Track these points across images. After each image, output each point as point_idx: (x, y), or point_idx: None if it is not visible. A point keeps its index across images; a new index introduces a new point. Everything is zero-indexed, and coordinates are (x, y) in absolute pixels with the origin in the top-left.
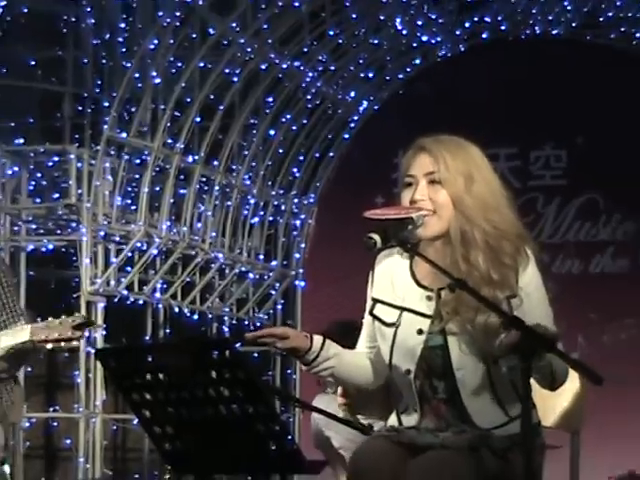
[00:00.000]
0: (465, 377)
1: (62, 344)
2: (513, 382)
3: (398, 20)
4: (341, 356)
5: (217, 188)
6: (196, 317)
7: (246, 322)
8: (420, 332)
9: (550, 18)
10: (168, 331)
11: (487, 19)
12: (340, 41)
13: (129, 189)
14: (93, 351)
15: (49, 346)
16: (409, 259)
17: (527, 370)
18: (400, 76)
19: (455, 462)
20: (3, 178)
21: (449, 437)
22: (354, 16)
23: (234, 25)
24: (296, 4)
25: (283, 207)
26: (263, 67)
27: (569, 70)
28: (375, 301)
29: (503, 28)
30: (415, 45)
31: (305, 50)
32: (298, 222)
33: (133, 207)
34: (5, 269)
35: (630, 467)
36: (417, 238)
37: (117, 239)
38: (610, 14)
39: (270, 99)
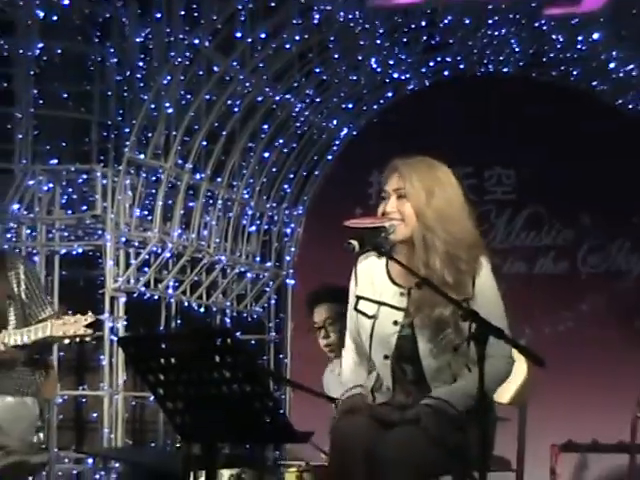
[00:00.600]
0: (429, 363)
1: (77, 339)
2: (468, 366)
3: (373, 60)
4: None
5: (220, 201)
6: (202, 310)
7: (244, 314)
8: (395, 323)
9: (501, 58)
10: (179, 322)
11: (448, 59)
12: (324, 77)
13: (146, 202)
14: (116, 339)
15: (66, 341)
16: (385, 261)
17: (482, 354)
18: (375, 107)
19: (417, 436)
20: (40, 193)
21: (418, 410)
22: (336, 56)
23: (235, 63)
24: (287, 46)
25: (276, 217)
26: (259, 99)
27: (517, 103)
28: (358, 298)
29: (462, 67)
30: (387, 81)
31: (295, 85)
32: (289, 230)
33: (149, 217)
34: (30, 267)
35: (569, 437)
36: (390, 243)
37: (136, 244)
38: (552, 55)
39: (265, 126)
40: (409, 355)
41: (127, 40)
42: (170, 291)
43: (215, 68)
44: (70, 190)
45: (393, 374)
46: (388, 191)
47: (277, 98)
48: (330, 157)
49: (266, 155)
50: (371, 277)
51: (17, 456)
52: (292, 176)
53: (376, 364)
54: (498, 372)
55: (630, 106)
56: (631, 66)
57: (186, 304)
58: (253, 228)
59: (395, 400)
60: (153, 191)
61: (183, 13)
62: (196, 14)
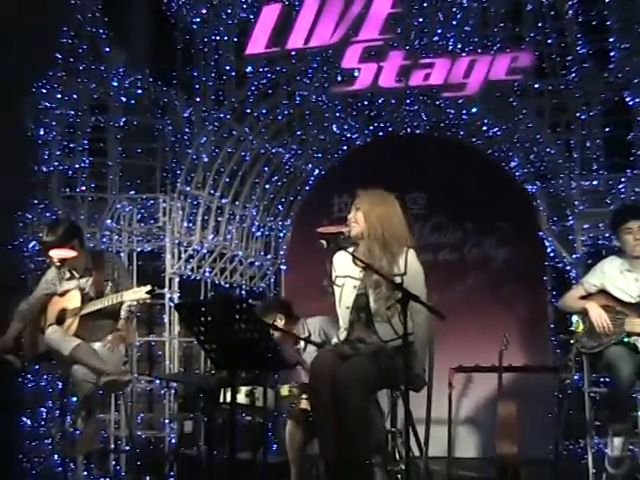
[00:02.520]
0: (376, 312)
1: (141, 301)
2: (399, 316)
3: (334, 125)
4: None
5: (238, 217)
6: (227, 286)
7: (254, 289)
8: (354, 287)
9: (415, 124)
10: (212, 294)
11: (382, 124)
12: (303, 137)
13: (190, 217)
14: (172, 304)
15: (134, 303)
16: (352, 253)
17: (405, 311)
18: (335, 156)
19: (364, 364)
20: (123, 212)
21: (364, 347)
22: (310, 123)
23: (246, 129)
24: (279, 117)
25: (273, 226)
26: (262, 151)
27: (425, 153)
28: (336, 277)
29: (390, 129)
30: (343, 139)
31: (284, 142)
32: (282, 234)
33: (193, 227)
34: (119, 260)
35: (460, 362)
36: (349, 241)
37: (185, 244)
38: (447, 122)
39: (266, 168)
40: (364, 306)
41: (178, 115)
42: (207, 274)
43: (233, 132)
44: (143, 210)
45: (352, 319)
46: (352, 207)
47: (273, 151)
48: (307, 188)
49: (267, 187)
50: (342, 263)
51: (113, 376)
52: (283, 200)
53: (341, 314)
54: (428, 318)
55: (496, 154)
56: (496, 129)
57: (217, 282)
58: (259, 233)
59: (352, 337)
60: (195, 211)
61: (213, 97)
62: (221, 98)
